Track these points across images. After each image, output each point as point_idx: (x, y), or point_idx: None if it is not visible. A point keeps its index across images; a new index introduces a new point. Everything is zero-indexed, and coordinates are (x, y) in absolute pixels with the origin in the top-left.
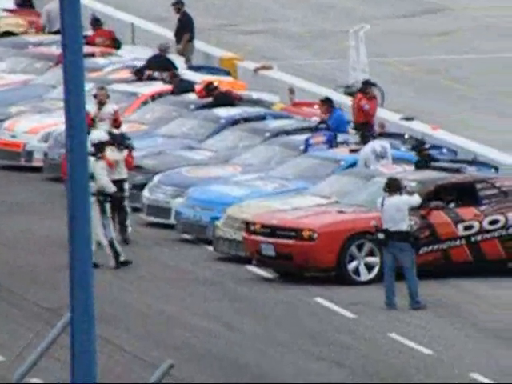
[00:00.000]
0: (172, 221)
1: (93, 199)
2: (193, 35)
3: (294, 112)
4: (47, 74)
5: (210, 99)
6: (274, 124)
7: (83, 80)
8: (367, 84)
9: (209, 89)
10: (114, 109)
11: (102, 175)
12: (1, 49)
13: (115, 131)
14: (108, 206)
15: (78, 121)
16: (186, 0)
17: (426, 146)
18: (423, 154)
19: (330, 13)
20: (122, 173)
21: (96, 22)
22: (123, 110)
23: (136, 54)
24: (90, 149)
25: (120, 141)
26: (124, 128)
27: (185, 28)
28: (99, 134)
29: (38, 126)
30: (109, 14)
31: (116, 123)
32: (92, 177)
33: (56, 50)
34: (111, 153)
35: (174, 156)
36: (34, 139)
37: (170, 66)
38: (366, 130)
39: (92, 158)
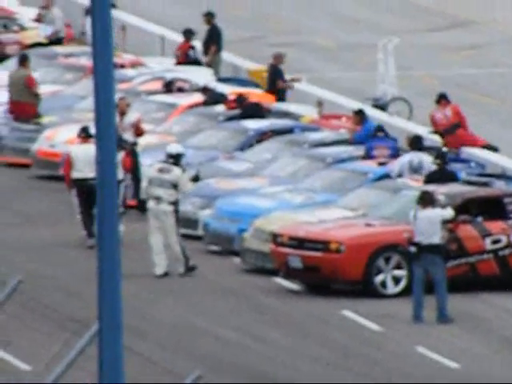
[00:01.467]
0: (200, 232)
1: (171, 208)
2: (220, 47)
3: (322, 124)
4: (77, 85)
5: (239, 111)
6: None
7: (113, 91)
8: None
9: (239, 100)
10: (136, 117)
11: (187, 186)
12: (31, 59)
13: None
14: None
15: (107, 131)
16: (215, 12)
17: (444, 158)
18: (439, 166)
19: (359, 26)
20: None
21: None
22: (160, 120)
23: (165, 65)
24: (169, 160)
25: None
26: (153, 139)
27: (213, 40)
28: (177, 146)
29: None
30: (139, 26)
31: (138, 131)
32: (175, 186)
33: (86, 61)
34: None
35: (213, 167)
36: None
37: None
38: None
39: (176, 169)
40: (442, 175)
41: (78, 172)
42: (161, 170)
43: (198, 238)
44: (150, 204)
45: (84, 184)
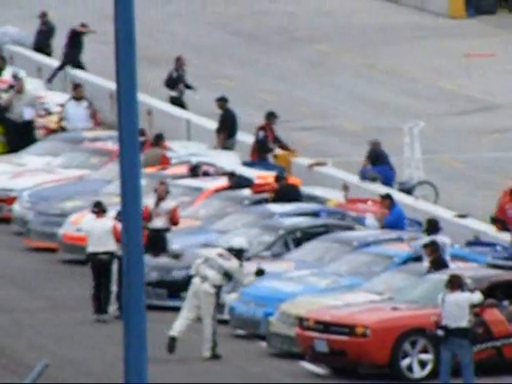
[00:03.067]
0: (225, 316)
1: (212, 291)
2: (233, 132)
3: (348, 208)
4: (103, 169)
5: (275, 191)
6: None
7: (139, 175)
8: None
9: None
10: (173, 205)
11: (247, 279)
12: (57, 144)
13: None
14: None
15: (133, 215)
16: (240, 96)
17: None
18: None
19: (384, 110)
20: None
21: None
22: (186, 205)
23: (191, 149)
24: (232, 253)
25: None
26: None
27: (225, 125)
28: (240, 241)
29: None
30: (165, 110)
31: (173, 220)
32: (226, 274)
33: (112, 146)
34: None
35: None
36: None
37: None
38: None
39: (235, 260)
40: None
41: (92, 246)
42: (220, 255)
43: (224, 322)
44: (195, 280)
45: (97, 258)
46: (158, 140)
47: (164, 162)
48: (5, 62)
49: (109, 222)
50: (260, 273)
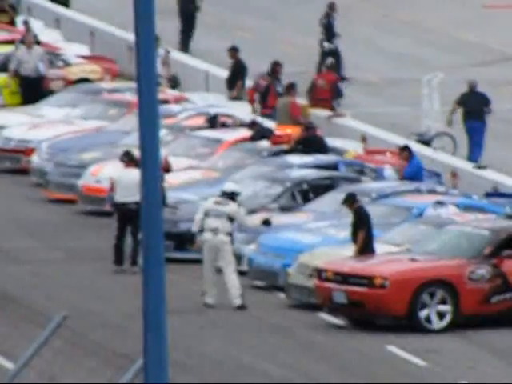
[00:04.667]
0: (244, 267)
1: (228, 239)
2: (244, 82)
3: (366, 160)
4: (121, 121)
5: (301, 138)
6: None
7: (158, 126)
8: None
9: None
10: (163, 154)
11: (247, 221)
12: (76, 95)
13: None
14: None
15: (152, 166)
16: (258, 47)
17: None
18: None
19: (403, 61)
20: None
21: None
22: (205, 156)
23: (209, 100)
24: (224, 196)
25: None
26: (198, 175)
27: (238, 74)
28: (232, 185)
29: None
30: (184, 62)
31: (165, 167)
32: (231, 219)
33: (130, 97)
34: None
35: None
36: None
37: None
38: None
39: (232, 203)
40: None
41: (120, 196)
42: (218, 203)
43: (241, 274)
44: (207, 236)
45: (125, 208)
46: (290, 89)
47: (294, 110)
48: (15, 11)
49: (137, 171)
50: (266, 223)
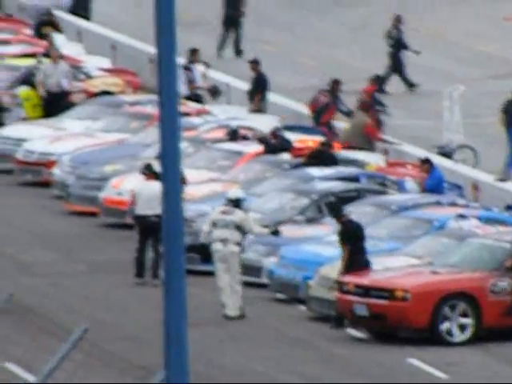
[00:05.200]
0: (263, 280)
1: (237, 249)
2: (264, 96)
3: (388, 172)
4: (142, 133)
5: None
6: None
7: (179, 138)
8: None
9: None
10: None
11: (255, 228)
12: (97, 108)
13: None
14: None
15: (173, 179)
16: (280, 60)
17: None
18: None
19: (425, 73)
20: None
21: None
22: (226, 168)
23: (230, 113)
24: (230, 204)
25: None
26: (218, 187)
27: (258, 88)
28: (236, 191)
29: None
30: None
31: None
32: (239, 227)
33: (151, 110)
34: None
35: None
36: None
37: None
38: None
39: (239, 211)
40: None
41: (141, 209)
42: (224, 212)
43: (261, 286)
44: (217, 246)
45: (146, 221)
46: (366, 109)
47: (372, 131)
48: (55, 25)
49: (158, 184)
50: (275, 233)
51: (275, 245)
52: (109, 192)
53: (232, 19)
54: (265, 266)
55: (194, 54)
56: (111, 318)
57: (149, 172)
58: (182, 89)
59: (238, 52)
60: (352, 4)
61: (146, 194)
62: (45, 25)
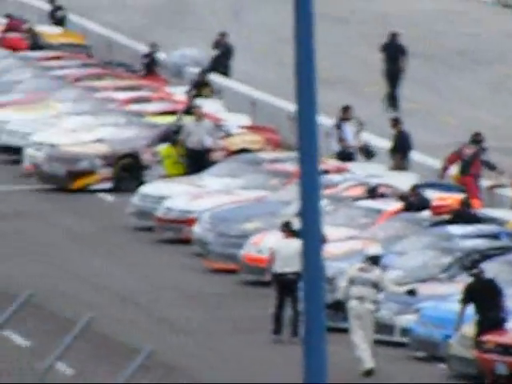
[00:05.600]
0: (396, 338)
1: (373, 307)
2: (406, 154)
3: None
4: (282, 191)
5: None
6: None
7: (319, 196)
8: None
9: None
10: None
11: (390, 287)
12: (237, 165)
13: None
14: None
15: (313, 237)
16: (420, 118)
17: None
18: None
19: None
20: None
21: None
22: (365, 226)
23: (370, 171)
24: (368, 261)
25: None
26: (357, 245)
27: (400, 146)
28: (375, 248)
29: None
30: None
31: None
32: (375, 285)
33: (291, 167)
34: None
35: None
36: None
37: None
38: None
39: (376, 269)
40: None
41: (279, 266)
42: (362, 270)
43: (393, 344)
44: (353, 303)
45: (285, 278)
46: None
47: None
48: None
49: (297, 242)
50: (412, 293)
51: (408, 303)
52: (249, 249)
53: (392, 74)
54: (397, 324)
55: (345, 111)
56: (251, 375)
57: (288, 229)
58: (334, 146)
59: (393, 105)
60: (489, 61)
61: (285, 252)
62: (200, 86)
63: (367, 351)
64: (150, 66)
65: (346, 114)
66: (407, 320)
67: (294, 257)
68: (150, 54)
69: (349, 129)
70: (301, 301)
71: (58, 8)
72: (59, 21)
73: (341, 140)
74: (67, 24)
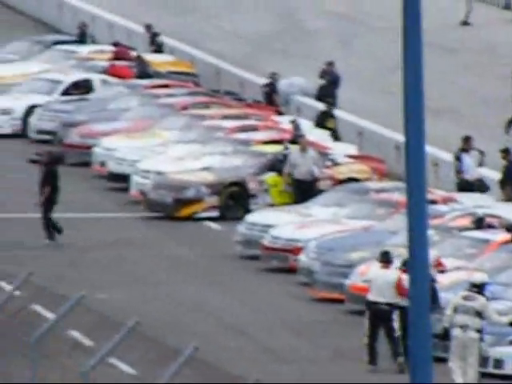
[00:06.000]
0: (489, 369)
1: (477, 336)
2: None
3: None
4: (389, 220)
5: None
6: None
7: (426, 226)
8: None
9: None
10: (396, 276)
11: (494, 317)
12: (343, 195)
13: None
14: None
15: (420, 267)
16: None
17: None
18: None
19: None
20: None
21: None
22: (472, 257)
23: (477, 201)
24: (473, 289)
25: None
26: (463, 275)
27: (510, 176)
28: (481, 276)
29: None
30: (445, 159)
31: (399, 291)
32: (479, 314)
33: (398, 197)
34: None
35: None
36: None
37: None
38: None
39: (481, 297)
40: None
41: (373, 295)
42: (466, 298)
43: (488, 375)
44: (456, 332)
45: (377, 308)
46: None
47: None
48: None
49: (393, 273)
50: None
51: (503, 334)
52: (355, 279)
53: None
54: (490, 355)
55: (466, 141)
56: None
57: (385, 260)
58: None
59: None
60: None
61: (380, 282)
62: (325, 117)
63: (461, 370)
64: (270, 95)
65: (466, 144)
66: (501, 352)
67: (388, 287)
68: (270, 84)
69: (468, 160)
70: (396, 330)
71: (155, 35)
72: (159, 47)
73: (458, 172)
74: (167, 51)
